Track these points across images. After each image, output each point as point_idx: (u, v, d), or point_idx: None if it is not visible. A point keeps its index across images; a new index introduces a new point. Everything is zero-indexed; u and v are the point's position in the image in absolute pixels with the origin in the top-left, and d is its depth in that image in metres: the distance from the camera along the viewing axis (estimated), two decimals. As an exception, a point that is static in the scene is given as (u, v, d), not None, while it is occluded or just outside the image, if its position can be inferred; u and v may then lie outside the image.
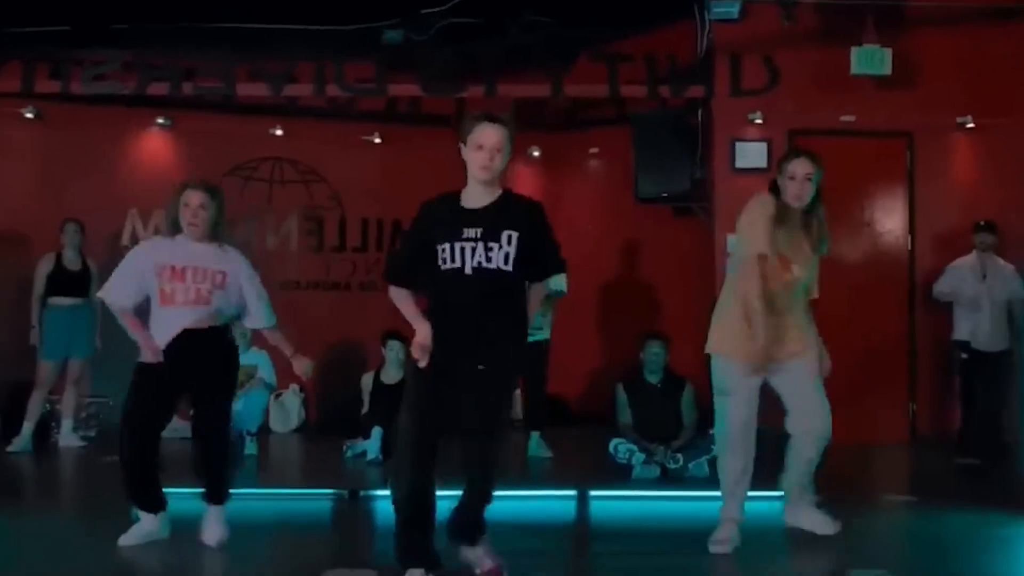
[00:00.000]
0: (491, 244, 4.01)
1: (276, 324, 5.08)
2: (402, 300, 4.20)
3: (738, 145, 8.34)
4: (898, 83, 8.12)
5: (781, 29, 8.07)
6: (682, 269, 9.00)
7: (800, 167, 4.75)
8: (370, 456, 7.30)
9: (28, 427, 7.87)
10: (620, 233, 9.60)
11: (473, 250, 4.01)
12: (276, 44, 8.47)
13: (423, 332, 4.07)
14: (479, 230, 4.03)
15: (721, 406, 4.87)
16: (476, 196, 4.13)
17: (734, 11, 7.96)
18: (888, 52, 7.88)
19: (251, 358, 7.63)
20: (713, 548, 4.71)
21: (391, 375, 7.77)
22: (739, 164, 8.34)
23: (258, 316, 5.01)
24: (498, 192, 4.15)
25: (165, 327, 4.75)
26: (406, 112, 9.83)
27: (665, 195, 8.61)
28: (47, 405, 8.16)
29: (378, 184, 9.86)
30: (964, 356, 7.79)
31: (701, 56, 8.42)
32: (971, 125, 8.44)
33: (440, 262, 4.05)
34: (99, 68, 8.33)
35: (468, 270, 4.02)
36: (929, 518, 5.68)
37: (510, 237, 4.02)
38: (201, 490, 4.89)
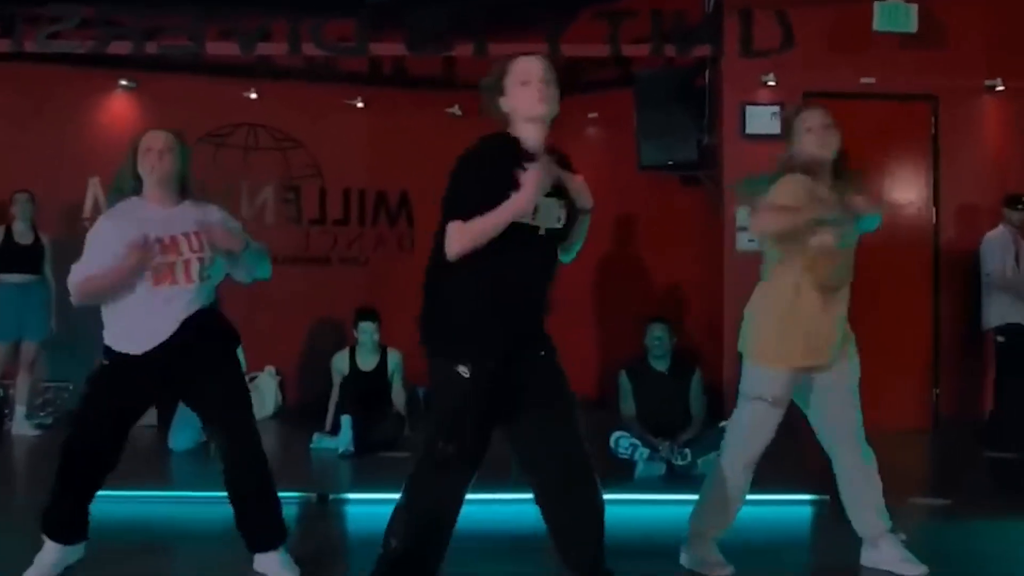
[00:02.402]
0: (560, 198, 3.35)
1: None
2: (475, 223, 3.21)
3: (748, 109, 7.99)
4: (923, 42, 7.88)
5: (797, -18, 7.82)
6: (689, 244, 8.58)
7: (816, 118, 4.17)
8: (340, 449, 6.72)
9: (-23, 415, 7.46)
10: (621, 205, 9.08)
11: (549, 206, 3.31)
12: (252, 1, 7.95)
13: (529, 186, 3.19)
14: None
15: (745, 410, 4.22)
16: (532, 142, 3.35)
17: (745, -37, 7.58)
18: (914, 8, 7.65)
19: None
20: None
21: (367, 361, 7.25)
22: (749, 130, 8.01)
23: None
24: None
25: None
26: (391, 74, 9.52)
27: (670, 163, 8.29)
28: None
29: (361, 152, 9.57)
30: (1000, 339, 7.34)
31: (709, 12, 8.08)
32: (1001, 88, 8.17)
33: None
34: (55, 25, 7.79)
35: (543, 230, 3.32)
36: (965, 527, 5.09)
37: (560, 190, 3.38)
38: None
